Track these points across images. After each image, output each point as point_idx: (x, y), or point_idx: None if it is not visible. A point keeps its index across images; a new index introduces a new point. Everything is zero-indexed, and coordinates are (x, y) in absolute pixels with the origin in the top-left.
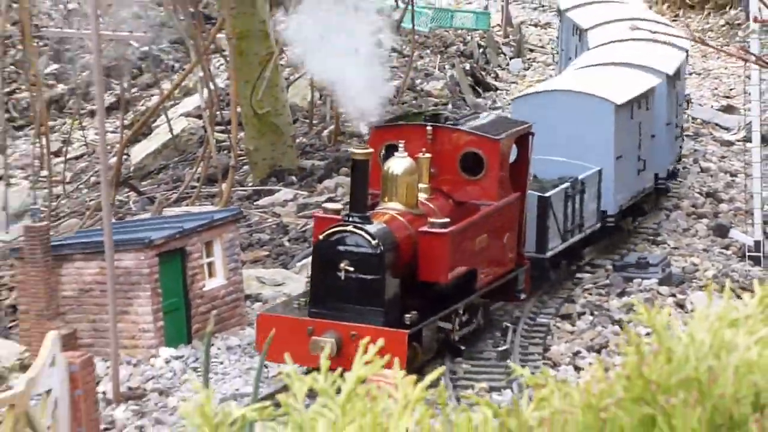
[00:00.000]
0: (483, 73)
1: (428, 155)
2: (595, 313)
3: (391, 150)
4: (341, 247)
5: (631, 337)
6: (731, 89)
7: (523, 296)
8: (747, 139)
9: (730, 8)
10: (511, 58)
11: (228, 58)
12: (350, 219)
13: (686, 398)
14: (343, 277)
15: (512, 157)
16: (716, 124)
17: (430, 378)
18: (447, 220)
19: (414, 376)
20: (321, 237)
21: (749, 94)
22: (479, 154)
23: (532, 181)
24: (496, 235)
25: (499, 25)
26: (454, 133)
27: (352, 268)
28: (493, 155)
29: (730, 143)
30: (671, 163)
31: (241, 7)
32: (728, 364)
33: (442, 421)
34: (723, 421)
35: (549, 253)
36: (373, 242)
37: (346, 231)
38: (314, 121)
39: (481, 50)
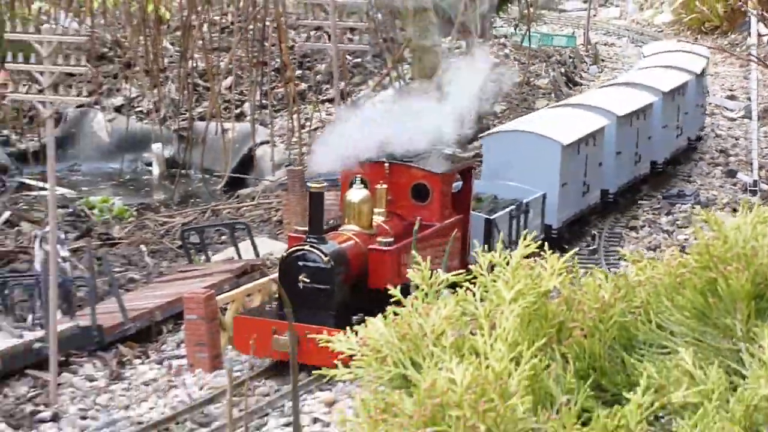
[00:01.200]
0: (573, 74)
1: (385, 186)
2: (652, 225)
3: (359, 182)
4: (300, 263)
5: (697, 230)
6: (732, 85)
7: None
8: (746, 117)
9: (731, 33)
10: (590, 65)
11: (410, 65)
12: (308, 239)
13: (737, 266)
14: (301, 287)
15: (459, 187)
16: (724, 107)
17: (567, 256)
18: (392, 239)
19: (557, 254)
20: (284, 254)
21: (750, 87)
22: (426, 185)
23: (491, 201)
24: (442, 248)
25: (582, 44)
26: (406, 169)
27: (308, 280)
28: (436, 186)
29: (733, 119)
30: (626, 182)
31: (420, 34)
32: (763, 244)
33: (575, 282)
34: (761, 281)
35: None
36: (325, 258)
37: (304, 249)
38: None
39: (570, 60)
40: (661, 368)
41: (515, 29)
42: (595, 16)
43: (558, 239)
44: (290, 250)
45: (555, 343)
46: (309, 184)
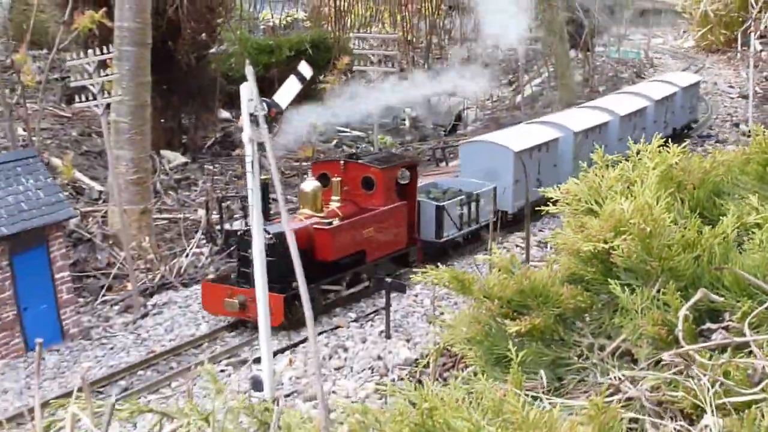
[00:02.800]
0: (639, 72)
1: (339, 179)
2: (692, 151)
3: (322, 177)
4: (251, 239)
5: (758, 131)
6: (730, 81)
7: (414, 264)
8: (740, 96)
9: (729, 52)
10: (649, 68)
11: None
12: None
13: None
14: (251, 259)
15: (407, 179)
16: (727, 92)
17: (683, 146)
18: (332, 220)
19: (677, 144)
20: (239, 234)
21: (747, 78)
22: (371, 177)
23: (455, 192)
24: (384, 227)
25: (644, 56)
26: (357, 165)
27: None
28: (379, 178)
29: (732, 98)
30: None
31: (559, 45)
32: None
33: (687, 159)
34: None
35: (443, 239)
36: (269, 236)
37: None
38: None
39: (638, 64)
40: (738, 206)
41: (605, 47)
42: (649, 42)
43: (513, 221)
44: (244, 229)
45: (677, 192)
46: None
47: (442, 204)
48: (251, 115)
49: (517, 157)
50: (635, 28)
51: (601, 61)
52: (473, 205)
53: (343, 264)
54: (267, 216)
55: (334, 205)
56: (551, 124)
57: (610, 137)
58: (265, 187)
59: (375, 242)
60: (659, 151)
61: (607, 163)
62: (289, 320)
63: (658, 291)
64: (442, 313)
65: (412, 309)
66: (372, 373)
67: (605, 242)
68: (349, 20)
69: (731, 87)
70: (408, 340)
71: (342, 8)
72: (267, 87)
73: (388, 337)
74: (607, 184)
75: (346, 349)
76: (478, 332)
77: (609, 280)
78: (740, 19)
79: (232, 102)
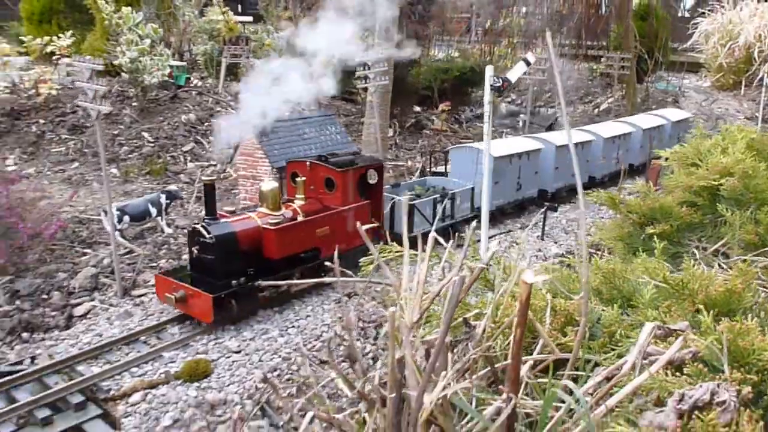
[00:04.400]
0: (676, 99)
1: (304, 178)
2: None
3: (293, 175)
4: (196, 237)
5: None
6: (737, 110)
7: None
8: (747, 119)
9: (738, 90)
10: (681, 97)
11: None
12: (204, 219)
13: None
14: (195, 256)
15: (375, 179)
16: (736, 116)
17: (753, 128)
18: (279, 220)
19: (752, 126)
20: (188, 230)
21: (755, 107)
22: (332, 178)
23: (437, 191)
24: (342, 225)
25: (678, 89)
26: (320, 167)
27: (196, 251)
28: (339, 180)
29: (740, 119)
30: (561, 186)
31: (629, 74)
32: None
33: (761, 134)
34: None
35: (413, 233)
36: (209, 236)
37: (198, 227)
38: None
39: (675, 94)
40: None
41: (653, 82)
42: (681, 81)
43: (491, 219)
44: (192, 226)
45: (757, 155)
46: (202, 178)
47: (412, 202)
48: (491, 86)
49: (497, 162)
50: (673, 72)
51: (653, 90)
52: (448, 203)
53: (297, 261)
54: (214, 213)
55: (297, 204)
56: (539, 138)
57: (593, 154)
58: (211, 187)
59: (331, 240)
60: (743, 130)
61: (705, 134)
62: (223, 318)
63: (751, 213)
64: (573, 229)
65: (555, 224)
66: (536, 259)
67: (714, 181)
68: (490, 57)
69: (738, 112)
70: (555, 242)
71: (488, 50)
72: (440, 95)
73: (542, 239)
74: (705, 147)
75: (517, 244)
76: (621, 234)
77: (717, 204)
78: (745, 69)
79: (422, 101)
